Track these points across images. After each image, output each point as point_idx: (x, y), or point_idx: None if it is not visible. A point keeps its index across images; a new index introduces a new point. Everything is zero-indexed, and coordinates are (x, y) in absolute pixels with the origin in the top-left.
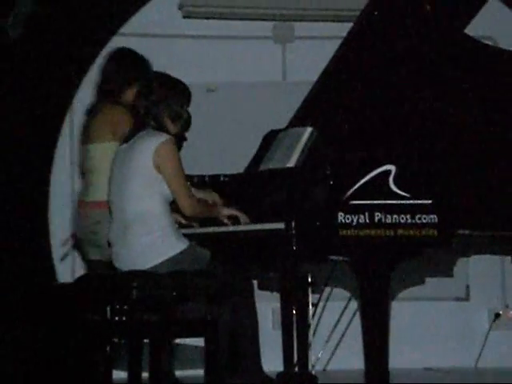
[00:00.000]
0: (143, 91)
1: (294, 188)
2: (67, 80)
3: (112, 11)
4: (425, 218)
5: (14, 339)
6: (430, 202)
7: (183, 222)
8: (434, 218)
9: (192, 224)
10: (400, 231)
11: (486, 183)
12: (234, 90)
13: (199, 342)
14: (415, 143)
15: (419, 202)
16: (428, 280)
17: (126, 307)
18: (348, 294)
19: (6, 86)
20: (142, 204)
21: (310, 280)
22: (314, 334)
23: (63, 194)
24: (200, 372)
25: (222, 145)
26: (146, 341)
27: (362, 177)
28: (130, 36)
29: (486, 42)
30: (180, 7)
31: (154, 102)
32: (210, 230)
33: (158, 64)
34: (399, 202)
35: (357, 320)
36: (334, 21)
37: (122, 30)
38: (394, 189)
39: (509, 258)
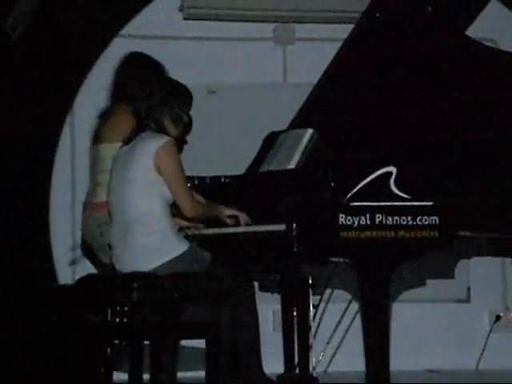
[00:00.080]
0: (144, 94)
1: (294, 190)
2: (68, 81)
3: (113, 13)
4: (426, 220)
5: (14, 340)
6: (430, 203)
7: (184, 223)
8: (434, 219)
9: (194, 231)
10: (401, 233)
11: (486, 185)
12: (234, 91)
13: (200, 343)
14: (416, 145)
15: (420, 203)
16: (429, 282)
17: (126, 309)
18: (349, 296)
19: (7, 86)
20: (143, 206)
21: (310, 282)
22: (315, 335)
23: (64, 194)
24: (201, 374)
25: (222, 146)
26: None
27: (363, 178)
28: (131, 38)
29: (487, 43)
30: (181, 9)
31: (155, 104)
32: (211, 231)
33: None
34: (400, 203)
35: (358, 322)
36: (334, 22)
37: (123, 31)
38: (395, 190)
39: (509, 259)
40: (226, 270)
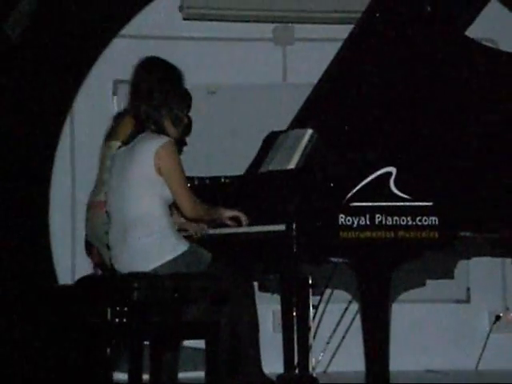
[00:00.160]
0: (144, 95)
1: (294, 190)
2: (68, 81)
3: (113, 13)
4: (425, 220)
5: (14, 341)
6: (430, 204)
7: (184, 222)
8: (434, 220)
9: (202, 232)
10: (401, 233)
11: (486, 185)
12: (234, 91)
13: (200, 343)
14: (416, 145)
15: (420, 203)
16: (429, 282)
17: (126, 309)
18: (349, 296)
19: (7, 87)
20: (142, 206)
21: (310, 282)
22: (315, 336)
23: (64, 195)
24: (201, 374)
25: (222, 147)
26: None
27: (363, 179)
28: (130, 38)
29: (487, 43)
30: (181, 9)
31: (155, 105)
32: (211, 231)
33: None
34: (400, 203)
35: (357, 322)
36: (334, 23)
37: (123, 31)
38: (395, 191)
39: (509, 260)
40: (225, 270)
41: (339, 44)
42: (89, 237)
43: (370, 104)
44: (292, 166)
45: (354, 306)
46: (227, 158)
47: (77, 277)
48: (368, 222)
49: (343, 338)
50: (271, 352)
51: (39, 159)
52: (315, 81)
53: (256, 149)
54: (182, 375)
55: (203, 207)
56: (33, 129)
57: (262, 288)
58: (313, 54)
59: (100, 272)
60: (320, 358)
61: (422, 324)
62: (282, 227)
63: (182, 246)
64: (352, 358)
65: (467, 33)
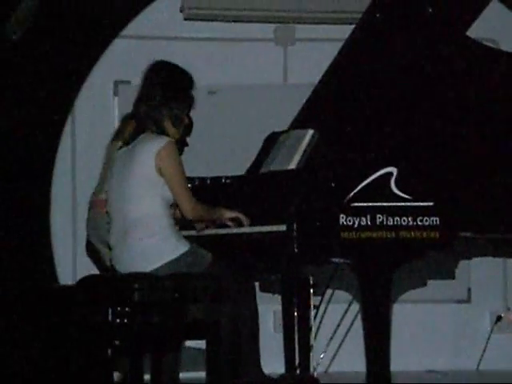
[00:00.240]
0: (145, 95)
1: (295, 190)
2: (69, 81)
3: (114, 13)
4: (426, 221)
5: (14, 341)
6: (431, 204)
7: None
8: (435, 220)
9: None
10: (402, 233)
11: (487, 185)
12: (235, 92)
13: (201, 344)
14: (416, 145)
15: (421, 204)
16: (430, 282)
17: (127, 309)
18: (350, 297)
19: (8, 87)
20: (143, 207)
21: (311, 282)
22: (316, 336)
23: (65, 195)
24: (201, 374)
25: (223, 147)
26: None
27: (364, 179)
28: (131, 38)
29: (488, 44)
30: (181, 9)
31: (155, 105)
32: (212, 231)
33: None
34: (401, 204)
35: (358, 322)
36: (335, 23)
37: (124, 32)
38: (396, 191)
39: (510, 260)
40: (226, 271)
41: (340, 44)
42: (90, 236)
43: (370, 104)
44: (293, 166)
45: (355, 307)
46: (228, 159)
47: (78, 277)
48: (369, 223)
49: (344, 338)
50: (272, 352)
51: (40, 159)
52: (316, 81)
53: (257, 149)
54: (182, 375)
55: (203, 208)
56: (34, 129)
57: (263, 288)
58: (313, 54)
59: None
60: (321, 358)
61: (422, 324)
62: (282, 227)
63: (183, 247)
64: (353, 359)
65: (468, 33)
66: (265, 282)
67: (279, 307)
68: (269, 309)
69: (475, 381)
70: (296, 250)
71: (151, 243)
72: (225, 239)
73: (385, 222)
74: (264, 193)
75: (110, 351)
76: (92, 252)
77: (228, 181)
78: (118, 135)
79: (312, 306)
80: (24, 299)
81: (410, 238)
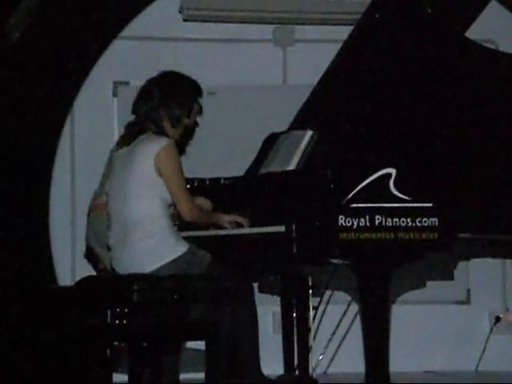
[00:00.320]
0: (143, 95)
1: (294, 191)
2: (68, 82)
3: (113, 14)
4: (425, 222)
5: (14, 342)
6: (430, 205)
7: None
8: (434, 221)
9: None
10: (401, 234)
11: (486, 186)
12: (234, 93)
13: (200, 345)
14: (415, 146)
15: (420, 205)
16: (429, 283)
17: (126, 310)
18: (349, 298)
19: (7, 87)
20: (142, 207)
21: (310, 283)
22: (315, 337)
23: (64, 196)
24: (200, 375)
25: (222, 148)
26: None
27: (363, 180)
28: (130, 39)
29: (487, 45)
30: (181, 10)
31: (154, 106)
32: (211, 233)
33: (159, 67)
34: (400, 205)
35: (357, 323)
36: (334, 24)
37: (123, 32)
38: (395, 192)
39: (509, 261)
40: (225, 272)
41: (339, 45)
42: (90, 241)
43: (369, 105)
44: (292, 167)
45: (354, 307)
46: (227, 159)
47: (77, 278)
48: (368, 223)
49: (343, 339)
50: (271, 353)
51: (39, 160)
52: (315, 82)
53: (256, 150)
54: (182, 376)
55: (201, 210)
56: (33, 129)
57: (262, 289)
58: (313, 55)
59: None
60: (320, 359)
61: (422, 325)
62: (281, 228)
63: (182, 248)
64: (352, 359)
65: (467, 34)
66: (264, 283)
67: (278, 308)
68: (268, 310)
69: (474, 382)
70: (295, 251)
71: (150, 244)
72: (224, 240)
73: (384, 223)
74: (263, 194)
75: (108, 352)
76: (91, 257)
77: (227, 182)
78: (121, 143)
79: (311, 307)
80: (23, 300)
81: (409, 238)
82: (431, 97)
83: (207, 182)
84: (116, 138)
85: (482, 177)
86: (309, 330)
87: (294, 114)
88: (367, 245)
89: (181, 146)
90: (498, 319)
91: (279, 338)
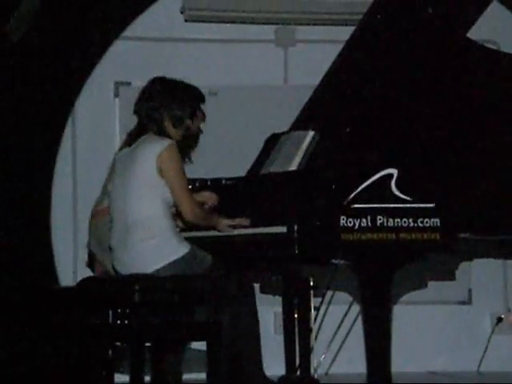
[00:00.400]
0: (144, 96)
1: (296, 191)
2: (70, 83)
3: (114, 15)
4: (427, 222)
5: (15, 342)
6: (432, 205)
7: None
8: (436, 221)
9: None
10: (402, 235)
11: (488, 187)
12: (235, 93)
13: (201, 345)
14: (417, 146)
15: (421, 205)
16: (430, 284)
17: (127, 311)
18: (350, 298)
19: (8, 88)
20: (144, 208)
21: (312, 283)
22: (316, 337)
23: (65, 196)
24: (202, 376)
25: (224, 148)
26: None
27: (364, 180)
28: (132, 39)
29: (489, 45)
30: (182, 11)
31: (155, 106)
32: (212, 233)
33: (160, 67)
34: (401, 205)
35: (359, 324)
36: (335, 24)
37: (125, 33)
38: (396, 192)
39: (511, 261)
40: (226, 272)
41: (341, 45)
42: (92, 246)
43: (371, 106)
44: (293, 167)
45: (356, 308)
46: (228, 160)
47: (78, 278)
48: (369, 224)
49: (345, 339)
50: (272, 354)
51: (41, 161)
52: (317, 82)
53: (257, 150)
54: (187, 376)
55: (203, 212)
56: (34, 130)
57: (264, 290)
58: (314, 55)
59: None
60: (321, 359)
61: (423, 325)
62: (283, 229)
63: (184, 248)
64: (353, 360)
65: (469, 35)
66: (265, 284)
67: (279, 309)
68: (269, 310)
69: (476, 382)
70: (296, 252)
71: (152, 244)
72: (225, 241)
73: (385, 224)
74: (264, 194)
75: (110, 352)
76: (93, 264)
77: (228, 182)
78: (124, 144)
79: (312, 308)
80: (24, 300)
81: (411, 239)
82: (433, 97)
83: (208, 182)
84: (118, 138)
85: (484, 177)
86: (310, 330)
87: (295, 114)
88: (369, 245)
89: (185, 152)
90: (499, 319)
91: (281, 338)
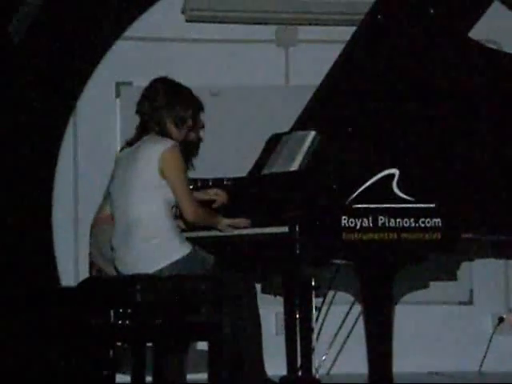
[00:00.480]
0: (146, 96)
1: (297, 192)
2: (71, 83)
3: (115, 15)
4: (428, 222)
5: (16, 342)
6: (433, 205)
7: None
8: (437, 221)
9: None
10: (404, 235)
11: (489, 187)
12: (237, 93)
13: (203, 345)
14: (418, 147)
15: (423, 205)
16: (432, 284)
17: (129, 311)
18: (351, 298)
19: (10, 89)
20: (146, 208)
21: (313, 284)
22: (318, 337)
23: (67, 196)
24: (203, 376)
25: (225, 148)
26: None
27: (366, 181)
28: (133, 40)
29: (490, 45)
30: (183, 11)
31: (157, 106)
32: (214, 233)
33: (162, 68)
34: (403, 205)
35: (360, 324)
36: (337, 24)
37: (126, 33)
38: (398, 192)
39: None
40: (228, 273)
41: (342, 46)
42: (93, 257)
43: (372, 106)
44: (295, 167)
45: (357, 308)
46: (230, 160)
47: (80, 278)
48: (371, 224)
49: (346, 339)
50: (274, 354)
51: (42, 161)
52: (318, 82)
53: (259, 151)
54: (191, 376)
55: (204, 212)
56: (35, 131)
57: (265, 290)
58: (315, 55)
59: None
60: (323, 359)
61: (425, 326)
62: (284, 229)
63: (185, 249)
64: (355, 360)
65: (470, 34)
66: (266, 284)
67: (281, 309)
68: (270, 311)
69: (477, 382)
70: (298, 252)
71: (154, 244)
72: (227, 241)
73: (387, 224)
74: (266, 194)
75: (111, 353)
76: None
77: (230, 182)
78: (126, 144)
79: (314, 308)
80: (26, 301)
81: (412, 239)
82: (434, 97)
83: (210, 182)
84: (119, 138)
85: (485, 177)
86: (312, 330)
87: (296, 114)
88: (370, 245)
89: (187, 160)
90: (501, 320)
91: (282, 338)
